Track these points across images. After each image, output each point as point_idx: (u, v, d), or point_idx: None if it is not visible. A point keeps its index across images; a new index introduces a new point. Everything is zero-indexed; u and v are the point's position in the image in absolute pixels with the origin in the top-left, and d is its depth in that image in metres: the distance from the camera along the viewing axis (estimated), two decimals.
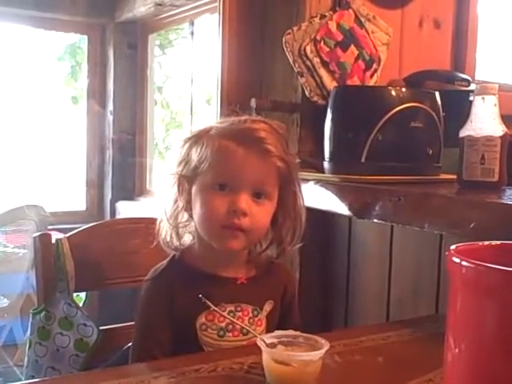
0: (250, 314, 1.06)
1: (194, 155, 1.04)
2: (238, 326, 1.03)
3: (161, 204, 1.09)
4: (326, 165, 1.62)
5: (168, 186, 1.08)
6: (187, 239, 1.10)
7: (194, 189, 1.05)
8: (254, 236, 1.05)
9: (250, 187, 1.01)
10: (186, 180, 1.06)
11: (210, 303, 0.99)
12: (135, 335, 1.06)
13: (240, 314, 1.05)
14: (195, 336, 1.02)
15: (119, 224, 1.43)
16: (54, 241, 1.29)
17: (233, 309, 1.04)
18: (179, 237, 1.09)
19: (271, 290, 1.11)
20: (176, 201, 1.07)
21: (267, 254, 1.12)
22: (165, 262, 1.09)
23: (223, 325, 1.03)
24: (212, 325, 1.02)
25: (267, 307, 1.08)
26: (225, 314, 1.03)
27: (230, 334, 1.04)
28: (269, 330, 1.06)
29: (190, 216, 1.07)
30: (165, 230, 1.08)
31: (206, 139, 1.04)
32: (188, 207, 1.06)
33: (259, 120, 1.08)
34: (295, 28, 1.80)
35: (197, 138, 1.06)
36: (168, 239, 1.08)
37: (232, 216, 1.00)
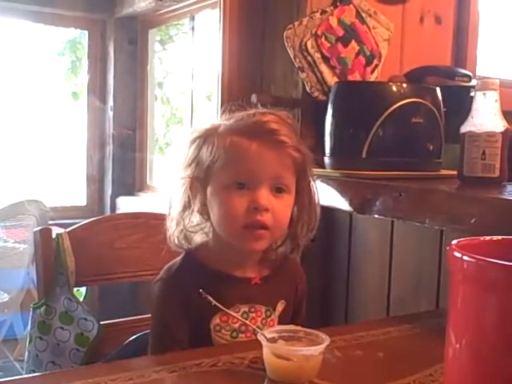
0: (263, 315, 1.04)
1: (205, 155, 1.00)
2: (250, 328, 1.01)
3: (169, 207, 1.05)
4: (326, 160, 1.62)
5: (178, 189, 1.04)
6: (199, 239, 1.07)
7: (209, 190, 1.01)
8: (277, 232, 1.02)
9: (268, 182, 0.98)
10: (199, 181, 1.02)
11: (211, 299, 0.96)
12: (152, 335, 1.04)
13: (253, 314, 1.03)
14: (209, 337, 1.00)
15: (119, 219, 1.43)
16: (54, 236, 1.29)
17: (247, 310, 1.02)
18: (188, 239, 1.06)
19: (284, 290, 1.08)
20: (189, 204, 1.03)
21: (281, 250, 1.09)
22: (178, 259, 1.06)
23: (236, 326, 1.01)
24: (226, 326, 1.01)
25: (279, 307, 1.06)
26: (238, 315, 1.00)
27: (243, 335, 1.02)
28: None
29: (205, 219, 1.04)
30: (174, 234, 1.05)
31: (216, 137, 1.00)
32: (203, 210, 1.03)
33: (267, 112, 1.03)
34: (296, 23, 1.80)
35: (205, 137, 1.02)
36: (176, 241, 1.05)
37: (254, 213, 0.97)
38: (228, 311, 1.00)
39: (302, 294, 1.13)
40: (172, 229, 1.05)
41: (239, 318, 1.00)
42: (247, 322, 1.01)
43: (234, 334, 1.01)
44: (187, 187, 1.03)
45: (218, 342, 1.01)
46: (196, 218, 1.05)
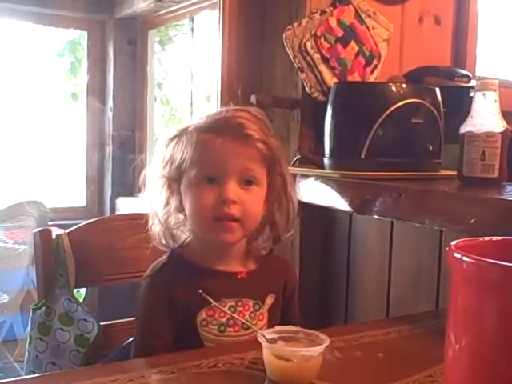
0: (251, 309, 1.05)
1: (176, 154, 1.04)
2: (238, 321, 1.03)
3: (150, 207, 1.08)
4: (326, 161, 1.62)
5: (156, 189, 1.07)
6: (183, 236, 1.09)
7: (182, 187, 1.05)
8: (249, 224, 1.04)
9: (236, 175, 1.00)
10: (174, 180, 1.05)
11: (210, 298, 0.99)
12: (137, 332, 1.06)
13: (241, 308, 1.04)
14: (196, 332, 1.02)
15: (119, 220, 1.43)
16: (54, 236, 1.29)
17: (233, 304, 1.04)
18: (174, 238, 1.09)
19: (272, 284, 1.10)
20: (168, 203, 1.07)
21: (264, 244, 1.11)
22: (164, 257, 1.08)
23: (224, 320, 1.03)
24: (212, 320, 1.02)
25: (269, 301, 1.08)
26: (225, 309, 1.02)
27: (231, 329, 1.03)
28: (271, 323, 1.06)
29: (184, 216, 1.07)
30: (157, 233, 1.08)
31: (185, 136, 1.04)
32: (181, 208, 1.06)
33: (236, 108, 1.06)
34: (295, 24, 1.80)
35: (177, 138, 1.06)
36: (164, 241, 1.08)
37: (222, 206, 0.99)
38: (225, 310, 1.01)
39: (291, 291, 1.14)
40: (156, 227, 1.08)
41: (229, 313, 1.02)
42: (235, 315, 1.02)
43: (222, 328, 1.03)
44: (164, 187, 1.06)
45: (205, 336, 1.02)
46: (181, 216, 1.08)
